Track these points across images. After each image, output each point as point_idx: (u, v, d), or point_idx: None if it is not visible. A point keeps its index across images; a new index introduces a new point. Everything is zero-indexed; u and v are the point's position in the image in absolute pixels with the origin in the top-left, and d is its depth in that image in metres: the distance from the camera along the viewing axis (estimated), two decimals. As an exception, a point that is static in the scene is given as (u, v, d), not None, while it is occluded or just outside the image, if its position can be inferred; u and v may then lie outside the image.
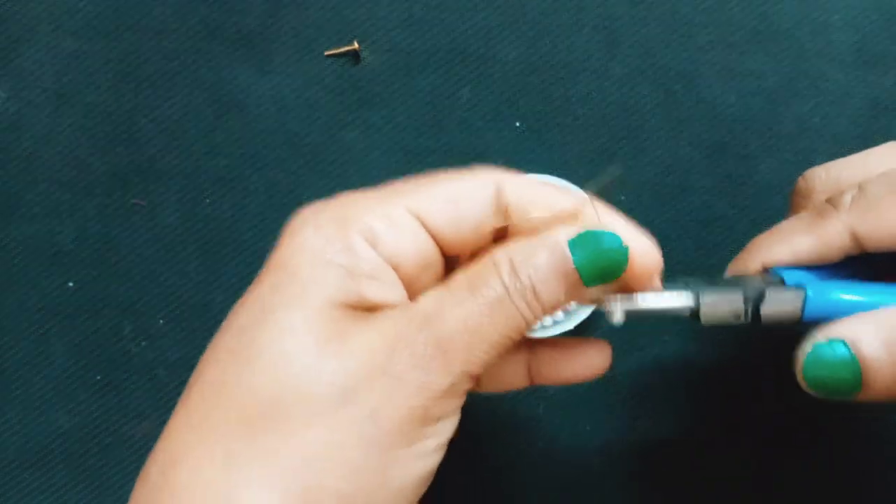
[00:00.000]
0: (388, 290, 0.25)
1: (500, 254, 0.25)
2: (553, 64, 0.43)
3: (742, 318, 0.27)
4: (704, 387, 0.43)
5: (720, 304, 0.27)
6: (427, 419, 0.24)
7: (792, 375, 0.43)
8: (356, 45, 0.43)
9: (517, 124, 0.43)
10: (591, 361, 0.29)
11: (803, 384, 0.26)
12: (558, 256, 0.24)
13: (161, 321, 0.43)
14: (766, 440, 0.42)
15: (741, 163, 0.43)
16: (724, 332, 0.42)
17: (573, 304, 0.40)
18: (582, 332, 0.41)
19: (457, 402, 0.25)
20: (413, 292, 0.26)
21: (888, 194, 0.28)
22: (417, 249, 0.26)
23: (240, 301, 0.26)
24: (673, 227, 0.43)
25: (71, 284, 0.43)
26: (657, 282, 0.27)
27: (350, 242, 0.25)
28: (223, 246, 0.43)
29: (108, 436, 0.43)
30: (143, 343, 0.43)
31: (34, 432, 0.43)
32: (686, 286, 0.27)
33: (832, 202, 0.29)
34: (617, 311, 0.26)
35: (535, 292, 0.24)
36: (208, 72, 0.43)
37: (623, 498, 0.42)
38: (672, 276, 0.28)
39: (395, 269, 0.25)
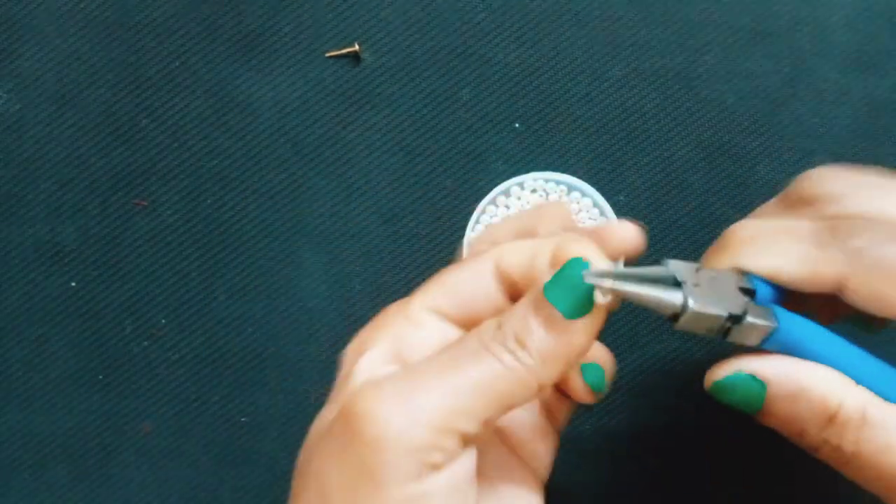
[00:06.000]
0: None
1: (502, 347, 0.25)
2: (553, 65, 0.43)
3: (713, 335, 0.26)
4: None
5: (701, 320, 0.25)
6: None
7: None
8: (357, 47, 0.43)
9: (517, 125, 0.43)
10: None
11: (707, 387, 0.27)
12: (531, 295, 0.25)
13: (163, 321, 0.43)
14: (767, 438, 0.42)
15: (740, 163, 0.43)
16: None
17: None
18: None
19: None
20: None
21: None
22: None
23: None
24: (672, 228, 0.43)
25: (73, 284, 0.43)
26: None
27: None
28: (224, 246, 0.43)
29: (109, 435, 0.43)
30: (145, 343, 0.43)
31: (35, 432, 0.43)
32: (674, 284, 0.26)
33: (836, 234, 0.27)
34: (603, 288, 0.24)
35: (518, 341, 0.24)
36: (209, 72, 0.43)
37: (623, 497, 0.43)
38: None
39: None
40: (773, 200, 0.32)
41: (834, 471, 0.28)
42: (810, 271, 0.27)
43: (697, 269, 0.27)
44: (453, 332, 0.28)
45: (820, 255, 0.26)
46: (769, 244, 0.28)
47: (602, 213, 0.41)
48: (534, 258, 0.27)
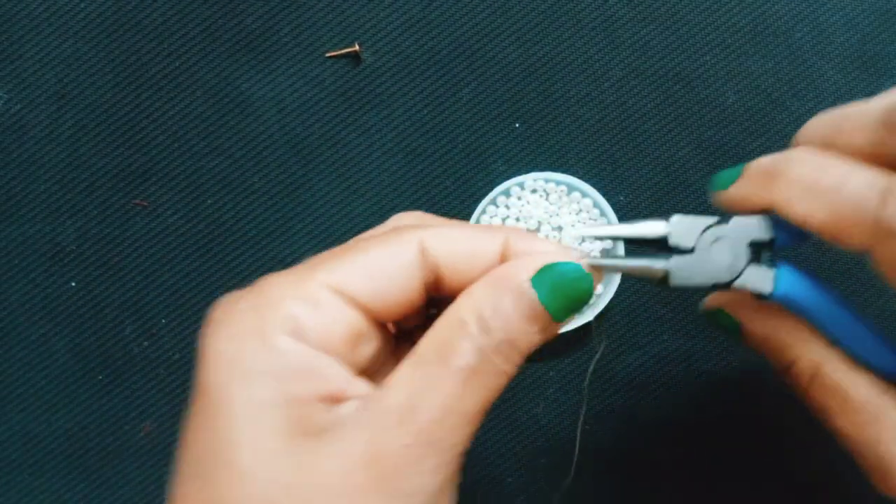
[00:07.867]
0: (332, 381, 0.23)
1: (466, 311, 0.23)
2: (553, 64, 0.43)
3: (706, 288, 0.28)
4: (704, 385, 0.43)
5: (687, 286, 0.27)
6: None
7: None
8: (357, 47, 0.43)
9: (517, 125, 0.43)
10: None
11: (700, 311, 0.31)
12: (526, 299, 0.23)
13: (163, 321, 0.43)
14: (765, 437, 0.43)
15: (740, 163, 0.43)
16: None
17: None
18: (581, 334, 0.41)
19: (454, 484, 0.23)
20: (354, 369, 0.24)
21: None
22: (347, 327, 0.23)
23: (184, 439, 0.23)
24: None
25: (73, 284, 0.43)
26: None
27: (271, 342, 0.22)
28: (224, 246, 0.43)
29: (109, 436, 0.43)
30: (145, 343, 0.43)
31: (36, 432, 0.43)
32: (665, 247, 0.27)
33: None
34: (597, 266, 0.25)
35: (512, 344, 0.23)
36: (209, 73, 0.43)
37: (622, 496, 0.43)
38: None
39: (327, 352, 0.23)
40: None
41: (833, 468, 0.29)
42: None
43: (707, 227, 0.27)
44: (359, 322, 0.24)
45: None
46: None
47: (602, 213, 0.41)
48: (474, 248, 0.24)
